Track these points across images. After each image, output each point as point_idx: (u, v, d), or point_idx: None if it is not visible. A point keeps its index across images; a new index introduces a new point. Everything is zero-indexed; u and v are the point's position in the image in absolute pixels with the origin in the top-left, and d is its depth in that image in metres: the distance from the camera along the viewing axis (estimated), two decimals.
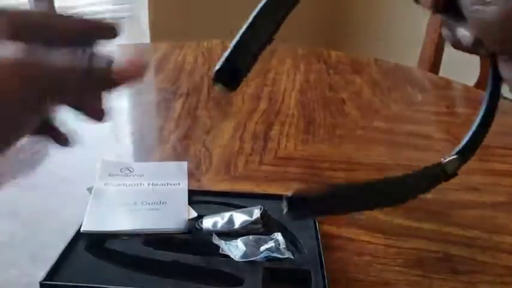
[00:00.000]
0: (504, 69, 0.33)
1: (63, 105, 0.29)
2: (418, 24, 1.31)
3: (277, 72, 1.02)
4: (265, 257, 0.44)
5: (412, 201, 0.57)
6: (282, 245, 0.45)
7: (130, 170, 0.58)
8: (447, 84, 1.02)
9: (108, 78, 0.26)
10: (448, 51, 1.15)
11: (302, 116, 0.81)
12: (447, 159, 0.38)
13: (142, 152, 0.71)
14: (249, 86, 0.92)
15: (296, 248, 0.46)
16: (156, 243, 0.46)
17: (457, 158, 0.38)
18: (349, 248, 0.49)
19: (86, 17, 0.30)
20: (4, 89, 0.24)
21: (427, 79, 1.07)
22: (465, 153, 0.38)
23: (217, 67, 0.31)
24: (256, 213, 0.48)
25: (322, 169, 0.64)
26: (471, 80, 1.23)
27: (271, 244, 0.45)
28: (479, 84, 1.24)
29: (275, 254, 0.44)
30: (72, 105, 0.30)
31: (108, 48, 0.30)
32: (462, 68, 1.16)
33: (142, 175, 0.57)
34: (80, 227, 0.47)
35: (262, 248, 0.45)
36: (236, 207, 0.52)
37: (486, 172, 0.64)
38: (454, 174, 0.39)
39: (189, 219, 0.49)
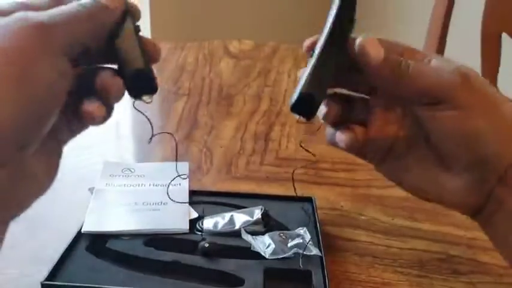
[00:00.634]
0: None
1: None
2: (419, 24, 1.31)
3: (278, 73, 1.02)
4: (294, 253, 0.44)
5: (412, 203, 0.57)
6: (309, 241, 0.45)
7: (131, 171, 0.58)
8: None
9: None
10: (449, 51, 1.15)
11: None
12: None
13: (144, 153, 0.71)
14: (250, 86, 0.92)
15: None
16: (157, 244, 0.46)
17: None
18: (350, 249, 0.49)
19: None
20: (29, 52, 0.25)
21: None
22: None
23: (292, 101, 0.34)
24: (257, 213, 0.48)
25: (323, 170, 0.64)
26: None
27: (298, 240, 0.45)
28: None
29: (303, 251, 0.44)
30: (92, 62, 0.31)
31: None
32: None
33: (144, 176, 0.57)
34: (81, 227, 0.47)
35: (290, 245, 0.45)
36: (237, 207, 0.52)
37: None
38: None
39: (189, 220, 0.49)
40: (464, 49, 0.99)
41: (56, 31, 0.26)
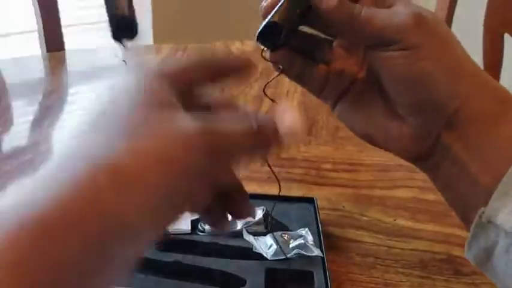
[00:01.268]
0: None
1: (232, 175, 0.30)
2: None
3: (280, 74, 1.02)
4: (296, 254, 0.44)
5: (415, 203, 0.57)
6: (310, 242, 0.45)
7: None
8: None
9: (275, 138, 0.27)
10: None
11: (305, 118, 0.81)
12: None
13: None
14: (252, 87, 0.92)
15: None
16: (158, 244, 0.46)
17: None
18: (352, 249, 0.49)
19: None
20: (192, 159, 0.24)
21: None
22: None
23: (259, 29, 0.35)
24: (259, 214, 0.48)
25: (325, 170, 0.64)
26: None
27: (299, 241, 0.45)
28: None
29: (305, 252, 0.44)
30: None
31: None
32: None
33: None
34: None
35: (292, 245, 0.45)
36: None
37: None
38: None
39: (191, 220, 0.49)
40: (466, 49, 0.98)
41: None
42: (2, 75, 0.93)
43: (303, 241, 0.45)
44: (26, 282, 0.18)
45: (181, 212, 0.25)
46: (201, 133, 0.24)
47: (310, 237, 0.46)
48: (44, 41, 1.12)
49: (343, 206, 0.56)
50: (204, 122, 0.25)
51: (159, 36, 2.07)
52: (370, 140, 0.38)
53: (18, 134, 0.75)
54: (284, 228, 0.49)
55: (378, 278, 0.45)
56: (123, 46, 0.33)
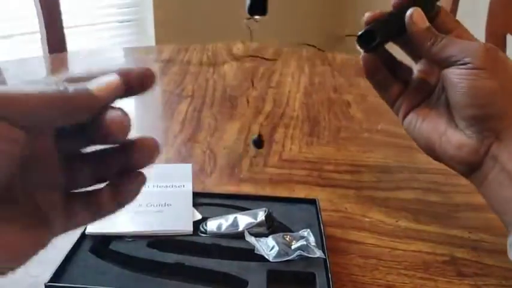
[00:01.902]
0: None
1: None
2: None
3: (282, 75, 1.02)
4: (298, 255, 0.44)
5: (417, 205, 0.57)
6: (312, 243, 0.45)
7: None
8: None
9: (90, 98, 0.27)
10: None
11: (307, 119, 0.81)
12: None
13: None
14: (254, 88, 0.92)
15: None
16: (160, 245, 0.46)
17: None
18: (354, 251, 0.49)
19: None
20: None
21: None
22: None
23: (360, 32, 0.46)
24: (261, 215, 0.48)
25: (327, 171, 0.64)
26: None
27: (302, 242, 0.45)
28: None
29: (307, 253, 0.44)
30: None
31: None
32: None
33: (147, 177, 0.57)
34: (85, 229, 0.47)
35: (294, 247, 0.45)
36: (240, 209, 0.52)
37: None
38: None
39: (193, 221, 0.49)
40: None
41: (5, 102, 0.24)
42: (4, 76, 0.93)
43: (305, 242, 0.45)
44: None
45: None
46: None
47: (312, 239, 0.46)
48: (46, 42, 1.12)
49: (346, 207, 0.56)
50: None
51: (161, 37, 2.07)
52: (433, 151, 0.46)
53: None
54: (286, 229, 0.49)
55: (380, 279, 0.45)
56: (255, 21, 0.40)
